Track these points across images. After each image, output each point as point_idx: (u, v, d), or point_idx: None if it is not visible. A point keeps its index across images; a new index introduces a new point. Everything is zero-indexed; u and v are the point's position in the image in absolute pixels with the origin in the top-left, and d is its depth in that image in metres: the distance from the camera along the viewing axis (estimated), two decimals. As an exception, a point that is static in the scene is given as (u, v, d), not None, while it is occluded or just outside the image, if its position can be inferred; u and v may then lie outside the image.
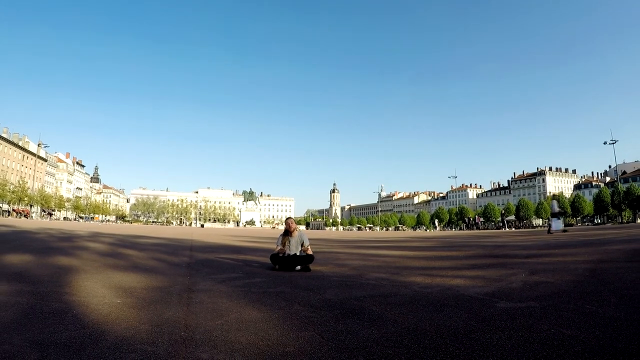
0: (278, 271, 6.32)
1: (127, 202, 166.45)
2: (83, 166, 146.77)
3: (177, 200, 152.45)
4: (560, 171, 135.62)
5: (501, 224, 53.82)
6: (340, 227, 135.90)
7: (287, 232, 6.73)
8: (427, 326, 2.80)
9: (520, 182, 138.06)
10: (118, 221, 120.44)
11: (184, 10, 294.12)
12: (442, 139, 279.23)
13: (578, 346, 2.23)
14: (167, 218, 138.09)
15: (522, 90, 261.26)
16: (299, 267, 6.36)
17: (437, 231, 34.62)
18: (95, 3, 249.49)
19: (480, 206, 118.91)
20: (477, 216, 54.63)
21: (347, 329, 2.80)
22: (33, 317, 3.04)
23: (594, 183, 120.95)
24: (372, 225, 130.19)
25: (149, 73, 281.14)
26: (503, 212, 63.67)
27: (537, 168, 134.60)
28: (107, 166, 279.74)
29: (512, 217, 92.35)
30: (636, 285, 4.00)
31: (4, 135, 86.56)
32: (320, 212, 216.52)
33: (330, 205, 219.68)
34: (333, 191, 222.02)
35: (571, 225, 76.41)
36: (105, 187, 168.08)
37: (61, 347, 2.34)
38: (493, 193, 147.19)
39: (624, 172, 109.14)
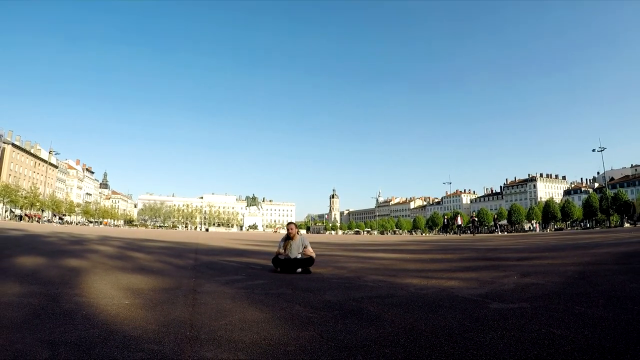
0: (279, 273, 6.37)
1: (135, 207, 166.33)
2: (92, 172, 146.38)
3: (183, 205, 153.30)
4: (551, 177, 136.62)
5: (494, 228, 53.87)
6: (340, 231, 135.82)
7: (289, 237, 6.78)
8: (423, 326, 2.86)
9: (512, 188, 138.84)
10: (126, 225, 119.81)
11: (190, 21, 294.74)
12: (437, 146, 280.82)
13: (568, 345, 2.27)
14: (173, 222, 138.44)
15: (514, 98, 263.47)
16: (299, 270, 6.41)
17: (448, 235, 34.20)
18: (103, 14, 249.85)
19: (474, 211, 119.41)
20: (448, 219, 41.54)
21: (346, 329, 2.86)
22: (44, 317, 3.08)
23: (583, 189, 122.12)
24: (370, 230, 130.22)
25: (156, 82, 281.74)
26: (496, 216, 63.74)
27: (529, 174, 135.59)
28: (115, 172, 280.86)
29: (505, 222, 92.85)
30: (624, 287, 4.07)
31: (17, 143, 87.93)
32: (320, 216, 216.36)
33: (330, 210, 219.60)
34: (332, 197, 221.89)
35: (561, 229, 77.04)
36: (113, 192, 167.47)
37: (71, 346, 2.37)
38: (486, 198, 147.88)
39: (612, 178, 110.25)
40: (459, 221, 31.11)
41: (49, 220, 78.59)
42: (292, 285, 5.13)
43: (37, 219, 77.54)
